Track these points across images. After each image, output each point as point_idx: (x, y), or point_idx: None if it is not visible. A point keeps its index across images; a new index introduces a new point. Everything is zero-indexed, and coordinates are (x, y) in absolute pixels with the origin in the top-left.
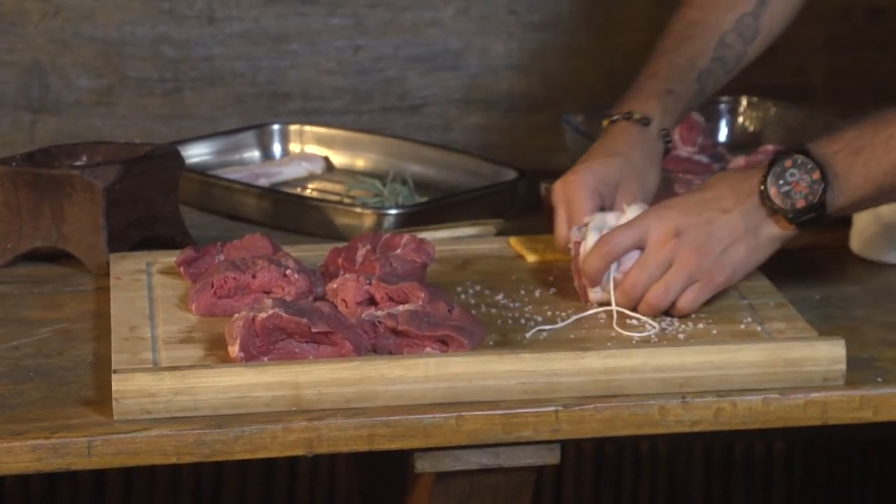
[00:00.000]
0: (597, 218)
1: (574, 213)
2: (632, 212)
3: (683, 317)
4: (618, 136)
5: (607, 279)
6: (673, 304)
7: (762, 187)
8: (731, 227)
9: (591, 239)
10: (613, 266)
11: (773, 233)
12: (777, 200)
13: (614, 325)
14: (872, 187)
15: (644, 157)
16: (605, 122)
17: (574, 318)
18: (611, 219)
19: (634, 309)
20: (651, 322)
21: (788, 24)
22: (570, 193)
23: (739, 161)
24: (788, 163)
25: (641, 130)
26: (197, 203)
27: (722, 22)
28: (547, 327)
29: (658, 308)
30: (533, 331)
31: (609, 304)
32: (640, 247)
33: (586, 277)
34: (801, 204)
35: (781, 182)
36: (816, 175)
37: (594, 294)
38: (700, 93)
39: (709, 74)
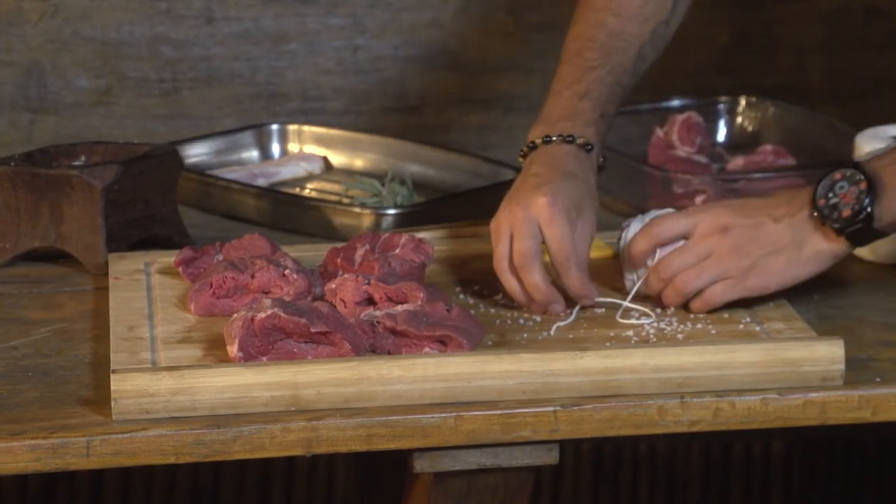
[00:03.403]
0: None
1: (554, 238)
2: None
3: (703, 313)
4: (566, 158)
5: (643, 270)
6: (699, 297)
7: (812, 199)
8: (778, 235)
9: (634, 227)
10: (657, 253)
11: (820, 247)
12: (825, 212)
13: (617, 318)
14: None
15: (593, 185)
16: (539, 141)
17: (573, 316)
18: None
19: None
20: (648, 311)
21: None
22: (546, 217)
23: (738, 161)
24: (838, 175)
25: (587, 156)
26: (195, 203)
27: (642, 33)
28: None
29: (683, 292)
30: (531, 332)
31: (640, 294)
32: (687, 237)
33: (629, 258)
34: (846, 213)
35: (830, 194)
36: (864, 185)
37: (628, 281)
38: (615, 111)
39: (625, 90)
